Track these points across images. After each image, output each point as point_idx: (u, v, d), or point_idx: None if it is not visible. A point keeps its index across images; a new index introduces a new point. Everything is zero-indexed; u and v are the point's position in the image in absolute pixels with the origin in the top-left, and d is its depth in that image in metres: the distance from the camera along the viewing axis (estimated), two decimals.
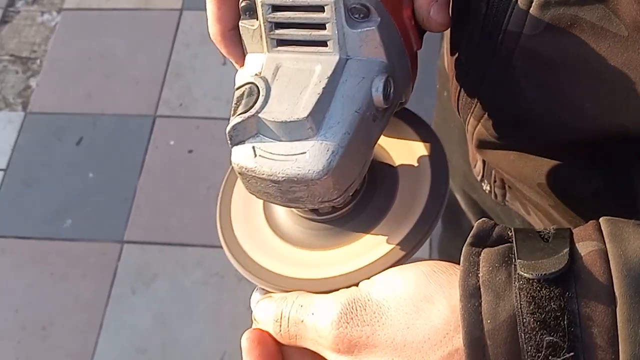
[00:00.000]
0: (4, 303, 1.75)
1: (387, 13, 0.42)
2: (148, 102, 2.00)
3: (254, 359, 0.43)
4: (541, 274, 0.35)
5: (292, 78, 0.42)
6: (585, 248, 0.36)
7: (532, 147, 0.51)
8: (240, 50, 0.46)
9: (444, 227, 1.12)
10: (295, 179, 0.41)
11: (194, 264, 1.74)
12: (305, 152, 0.41)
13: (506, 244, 0.39)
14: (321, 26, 0.42)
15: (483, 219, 0.41)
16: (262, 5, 0.43)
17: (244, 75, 0.44)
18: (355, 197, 0.47)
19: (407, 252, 0.44)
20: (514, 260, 0.37)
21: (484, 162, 0.66)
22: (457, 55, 0.51)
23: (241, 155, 0.42)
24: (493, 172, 0.65)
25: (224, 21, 0.46)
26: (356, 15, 0.41)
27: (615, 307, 0.34)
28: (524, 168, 0.53)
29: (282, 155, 0.41)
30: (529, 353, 0.35)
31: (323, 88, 0.41)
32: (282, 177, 0.41)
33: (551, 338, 0.34)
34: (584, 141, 0.46)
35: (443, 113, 0.81)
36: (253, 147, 0.42)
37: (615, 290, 0.34)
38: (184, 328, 1.67)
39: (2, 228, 1.86)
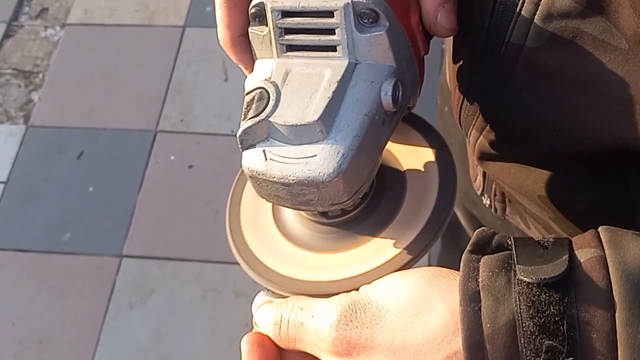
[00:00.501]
0: (1, 316, 1.75)
1: (396, 18, 0.43)
2: (149, 117, 2.00)
3: None
4: (541, 279, 0.35)
5: (302, 82, 0.43)
6: (584, 255, 0.37)
7: (533, 159, 0.51)
8: (249, 56, 0.47)
9: (443, 243, 1.12)
10: (306, 182, 0.41)
11: (192, 279, 1.74)
12: (315, 155, 0.41)
13: (506, 251, 0.39)
14: (330, 31, 0.43)
15: (482, 227, 0.41)
16: (271, 12, 0.43)
17: (254, 80, 0.44)
18: (363, 201, 0.47)
19: (414, 256, 0.45)
20: (513, 266, 0.37)
21: (484, 175, 0.67)
22: (459, 68, 0.52)
23: (252, 159, 0.42)
24: (493, 185, 0.66)
25: (233, 27, 0.46)
26: (365, 20, 0.42)
27: (614, 312, 0.34)
28: (525, 180, 0.53)
29: (292, 158, 0.41)
30: (528, 357, 0.35)
31: (333, 92, 0.41)
32: (293, 179, 0.41)
33: (550, 342, 0.34)
34: (584, 154, 0.47)
35: (443, 129, 0.81)
36: (264, 151, 0.42)
37: (615, 296, 0.34)
38: (181, 343, 1.66)
39: (1, 241, 1.86)
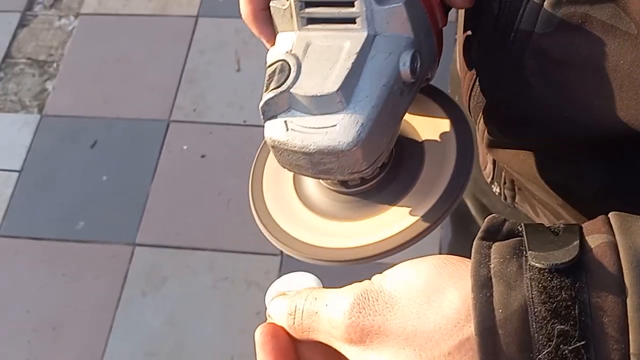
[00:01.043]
0: (16, 303, 1.77)
1: None
2: (162, 107, 2.01)
3: (267, 353, 0.43)
4: (552, 264, 0.35)
5: (322, 54, 0.44)
6: (595, 241, 0.37)
7: (542, 145, 0.51)
8: (271, 30, 0.48)
9: (453, 233, 1.12)
10: (326, 151, 0.42)
11: (204, 268, 1.75)
12: (335, 125, 0.42)
13: (517, 238, 0.39)
14: (350, 4, 0.43)
15: (493, 214, 0.42)
16: None
17: (276, 53, 0.46)
18: (382, 170, 0.48)
19: (432, 223, 0.46)
20: (524, 252, 0.37)
21: (494, 163, 0.67)
22: (469, 55, 0.52)
23: (274, 129, 0.44)
24: (503, 173, 0.66)
25: (255, 2, 0.47)
26: None
27: (626, 297, 0.34)
28: (534, 167, 0.53)
29: (313, 128, 0.43)
30: (540, 342, 0.35)
31: (352, 63, 0.42)
32: (314, 149, 0.42)
33: (562, 327, 0.34)
34: (593, 139, 0.47)
35: None
36: (285, 122, 0.43)
37: (626, 281, 0.34)
38: (193, 331, 1.68)
39: (16, 228, 1.87)
